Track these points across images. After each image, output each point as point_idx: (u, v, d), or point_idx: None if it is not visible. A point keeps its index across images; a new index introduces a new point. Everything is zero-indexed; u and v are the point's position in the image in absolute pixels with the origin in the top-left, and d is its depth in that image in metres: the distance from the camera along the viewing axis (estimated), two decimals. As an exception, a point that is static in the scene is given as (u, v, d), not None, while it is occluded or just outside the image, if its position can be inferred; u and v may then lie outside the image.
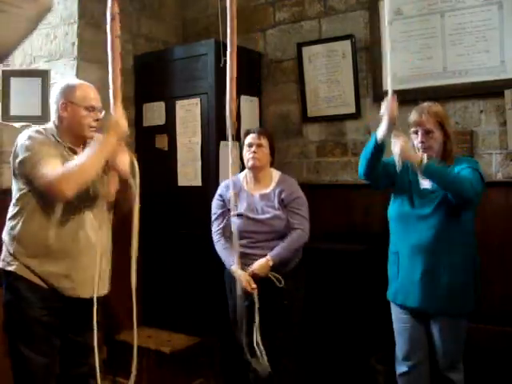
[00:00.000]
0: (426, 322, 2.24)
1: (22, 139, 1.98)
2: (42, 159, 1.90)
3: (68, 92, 2.05)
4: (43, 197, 1.94)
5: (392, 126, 2.10)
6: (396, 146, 2.12)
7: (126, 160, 2.00)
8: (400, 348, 2.30)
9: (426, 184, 2.23)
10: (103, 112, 2.10)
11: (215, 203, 2.75)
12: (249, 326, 2.67)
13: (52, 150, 1.97)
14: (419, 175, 2.23)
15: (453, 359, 2.22)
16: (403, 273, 2.22)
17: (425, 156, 2.09)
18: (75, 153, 2.06)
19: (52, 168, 1.87)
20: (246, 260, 2.54)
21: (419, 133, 2.21)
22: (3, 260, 2.04)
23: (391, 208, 2.32)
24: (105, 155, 1.92)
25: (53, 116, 2.09)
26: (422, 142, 2.21)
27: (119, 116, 1.94)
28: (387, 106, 2.09)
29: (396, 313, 2.31)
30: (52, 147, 1.99)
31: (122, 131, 1.95)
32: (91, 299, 1.99)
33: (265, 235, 2.58)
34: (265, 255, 2.55)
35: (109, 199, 2.10)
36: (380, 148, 2.16)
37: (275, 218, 2.60)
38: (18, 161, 1.96)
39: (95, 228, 2.05)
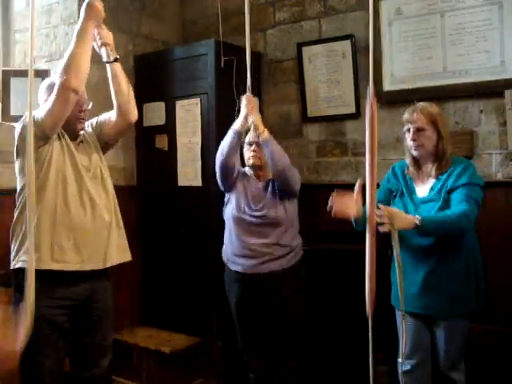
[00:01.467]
0: (428, 322, 2.24)
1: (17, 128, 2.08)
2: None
3: (52, 88, 2.07)
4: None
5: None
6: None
7: (109, 35, 2.15)
8: (403, 347, 2.30)
9: (422, 192, 2.23)
10: (90, 103, 2.17)
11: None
12: (248, 326, 2.68)
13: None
14: (415, 183, 2.25)
15: (454, 359, 2.22)
16: (405, 278, 2.21)
17: (417, 219, 2.04)
18: (72, 139, 2.13)
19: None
20: (243, 250, 2.54)
21: (411, 130, 2.21)
22: (12, 260, 2.05)
23: None
24: (88, 37, 2.02)
25: None
26: (413, 140, 2.20)
27: None
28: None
29: (399, 313, 2.31)
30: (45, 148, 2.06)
31: (97, 12, 2.04)
32: (101, 276, 2.00)
33: (259, 227, 2.58)
34: (261, 243, 2.55)
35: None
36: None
37: (268, 207, 2.59)
38: (16, 142, 2.04)
39: (100, 204, 2.08)
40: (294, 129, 3.49)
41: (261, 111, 3.59)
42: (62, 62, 1.99)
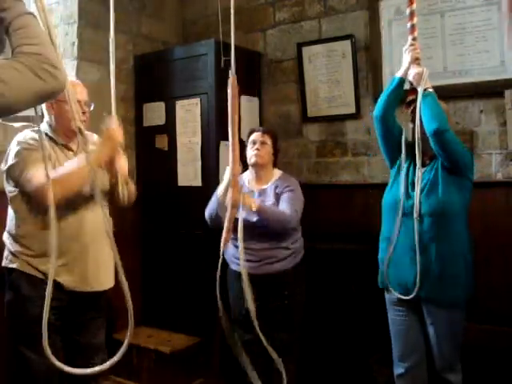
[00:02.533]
0: (420, 317, 2.21)
1: (13, 144, 2.03)
2: (28, 166, 1.93)
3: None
4: (32, 200, 1.96)
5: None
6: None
7: (124, 164, 2.08)
8: (396, 350, 2.29)
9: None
10: (92, 105, 2.15)
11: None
12: (247, 326, 2.67)
13: (40, 155, 1.97)
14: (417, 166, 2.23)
15: (450, 360, 2.20)
16: (396, 257, 2.21)
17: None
18: (70, 149, 2.11)
19: (38, 175, 1.87)
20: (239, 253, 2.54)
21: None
22: (5, 258, 2.06)
23: (386, 196, 2.32)
24: (93, 165, 1.93)
25: (46, 116, 2.14)
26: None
27: (114, 128, 2.00)
28: (409, 47, 2.27)
29: (392, 313, 2.30)
30: (41, 151, 1.98)
31: (115, 144, 2.01)
32: (95, 294, 2.00)
33: (259, 229, 2.58)
34: (260, 248, 2.55)
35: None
36: (401, 84, 2.27)
37: None
38: (7, 166, 2.01)
39: (94, 221, 2.07)
40: (294, 129, 3.48)
41: (261, 111, 3.59)
42: (52, 174, 1.80)
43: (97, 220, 2.06)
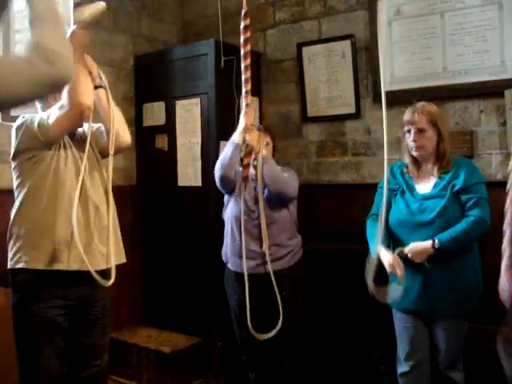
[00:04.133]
0: (428, 322, 2.23)
1: (15, 125, 2.06)
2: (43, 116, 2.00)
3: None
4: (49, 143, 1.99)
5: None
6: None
7: (93, 65, 2.12)
8: (401, 348, 2.30)
9: (424, 189, 2.23)
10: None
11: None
12: (247, 326, 2.67)
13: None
14: (415, 182, 2.25)
15: (453, 359, 2.21)
16: (406, 276, 2.21)
17: (433, 242, 2.11)
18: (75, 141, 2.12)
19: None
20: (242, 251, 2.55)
21: (412, 132, 2.21)
22: (10, 260, 2.04)
23: (391, 215, 2.31)
24: (79, 64, 1.97)
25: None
26: (414, 141, 2.21)
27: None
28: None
29: (397, 314, 2.31)
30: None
31: (81, 40, 2.01)
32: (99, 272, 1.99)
33: (258, 225, 2.58)
34: (260, 244, 2.55)
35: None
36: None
37: (267, 209, 2.58)
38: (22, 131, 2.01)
39: (96, 203, 2.07)
40: (294, 129, 3.48)
41: (261, 111, 3.60)
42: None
43: (99, 196, 2.09)
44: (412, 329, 2.25)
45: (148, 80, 3.54)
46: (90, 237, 2.04)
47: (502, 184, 2.76)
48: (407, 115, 2.24)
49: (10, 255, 2.05)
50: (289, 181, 2.58)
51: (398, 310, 2.29)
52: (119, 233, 2.18)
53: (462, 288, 2.15)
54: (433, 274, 2.14)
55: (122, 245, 2.19)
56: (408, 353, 2.27)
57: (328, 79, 3.32)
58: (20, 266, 1.99)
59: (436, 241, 2.08)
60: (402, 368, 2.30)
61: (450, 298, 2.14)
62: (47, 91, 1.24)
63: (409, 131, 2.23)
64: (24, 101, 1.15)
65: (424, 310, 2.19)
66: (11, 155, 2.06)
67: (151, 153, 3.53)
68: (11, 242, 2.05)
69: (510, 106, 2.68)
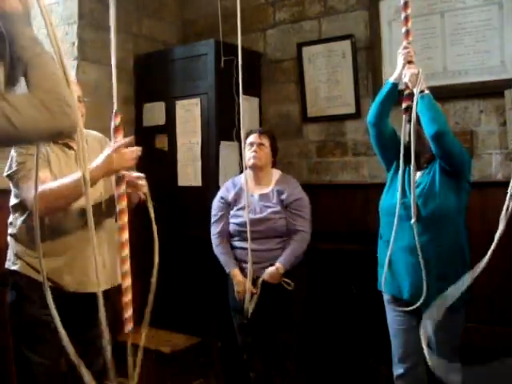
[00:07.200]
0: (419, 318, 2.21)
1: (12, 150, 2.01)
2: (26, 174, 1.89)
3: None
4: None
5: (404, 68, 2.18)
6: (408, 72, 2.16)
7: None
8: (396, 350, 2.29)
9: (417, 177, 2.22)
10: (85, 100, 2.12)
11: (216, 205, 2.75)
12: (247, 326, 2.67)
13: (40, 160, 1.97)
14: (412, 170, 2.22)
15: (449, 359, 2.20)
16: (393, 260, 2.20)
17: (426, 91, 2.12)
18: (70, 148, 2.09)
19: (27, 186, 1.85)
20: (246, 256, 2.54)
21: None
22: (8, 260, 2.05)
23: (383, 200, 2.31)
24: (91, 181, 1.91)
25: None
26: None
27: (122, 150, 1.91)
28: (403, 50, 2.17)
29: (390, 314, 2.30)
30: (42, 153, 1.98)
31: (125, 165, 1.95)
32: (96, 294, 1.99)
33: (263, 234, 2.58)
34: (265, 249, 2.54)
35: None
36: (394, 88, 2.23)
37: (273, 217, 2.59)
38: (6, 173, 1.99)
39: (96, 221, 2.06)
40: (294, 129, 3.48)
41: (261, 111, 3.60)
42: (47, 186, 1.82)
43: (98, 218, 2.06)
44: (405, 331, 2.23)
45: (148, 80, 3.54)
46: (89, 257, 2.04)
47: (502, 184, 2.77)
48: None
49: (8, 254, 2.06)
50: (307, 232, 2.65)
51: (388, 297, 2.28)
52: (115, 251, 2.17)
53: (450, 279, 2.11)
54: (420, 265, 2.10)
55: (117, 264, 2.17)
56: (402, 355, 2.26)
57: (328, 79, 3.32)
58: (15, 268, 2.01)
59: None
60: (398, 370, 2.28)
61: (437, 290, 2.10)
62: (52, 138, 1.28)
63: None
64: (29, 142, 1.15)
65: (412, 296, 2.14)
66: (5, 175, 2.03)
67: (151, 153, 3.52)
68: (11, 243, 2.05)
69: (509, 105, 2.68)
